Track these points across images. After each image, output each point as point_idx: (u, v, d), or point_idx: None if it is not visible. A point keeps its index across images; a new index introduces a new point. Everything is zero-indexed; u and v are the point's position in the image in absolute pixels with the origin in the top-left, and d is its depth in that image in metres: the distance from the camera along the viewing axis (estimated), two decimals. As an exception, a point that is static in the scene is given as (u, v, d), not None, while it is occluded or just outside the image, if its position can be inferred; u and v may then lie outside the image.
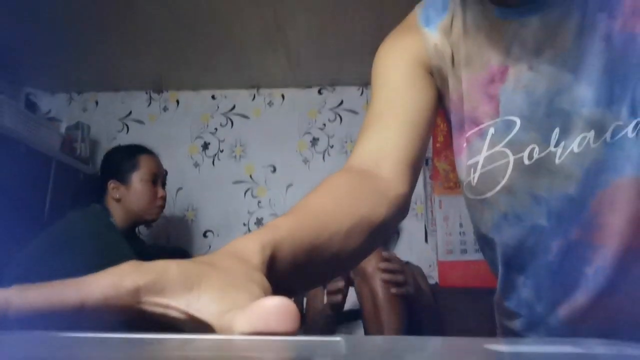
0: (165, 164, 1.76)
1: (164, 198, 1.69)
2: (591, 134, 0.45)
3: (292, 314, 0.20)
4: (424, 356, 0.17)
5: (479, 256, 0.62)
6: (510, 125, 0.49)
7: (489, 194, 0.51)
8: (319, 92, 2.38)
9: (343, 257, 0.41)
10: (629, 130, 0.44)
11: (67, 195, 1.83)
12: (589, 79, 0.45)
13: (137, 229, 1.74)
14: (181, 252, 1.97)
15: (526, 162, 0.48)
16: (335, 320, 1.50)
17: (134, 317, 0.22)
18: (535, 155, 0.48)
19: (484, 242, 0.58)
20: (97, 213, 1.52)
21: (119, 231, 1.54)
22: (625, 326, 0.48)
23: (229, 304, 0.22)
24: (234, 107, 2.38)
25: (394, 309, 1.30)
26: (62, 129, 2.11)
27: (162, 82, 2.35)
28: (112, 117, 2.39)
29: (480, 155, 0.51)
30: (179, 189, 2.27)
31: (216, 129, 2.36)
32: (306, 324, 1.54)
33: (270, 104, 2.38)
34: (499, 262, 0.56)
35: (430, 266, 2.07)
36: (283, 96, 2.38)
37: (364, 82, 2.27)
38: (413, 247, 2.13)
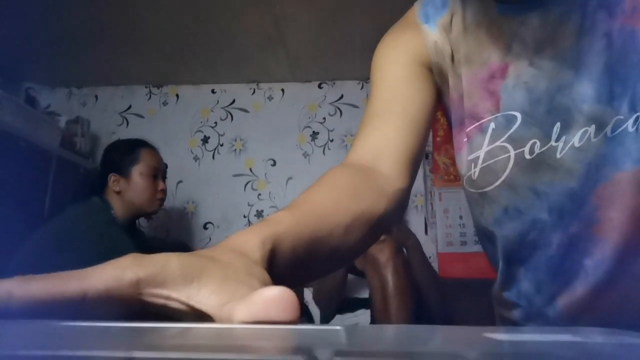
0: (165, 158, 1.76)
1: (164, 191, 1.69)
2: (592, 129, 0.46)
3: (292, 304, 0.20)
4: (423, 344, 0.17)
5: (478, 248, 0.62)
6: (511, 120, 0.49)
7: (489, 188, 0.52)
8: (319, 86, 2.37)
9: (342, 252, 0.41)
10: (629, 125, 0.44)
11: (67, 190, 1.83)
12: (589, 76, 0.45)
13: (137, 222, 1.74)
14: (181, 244, 1.98)
15: (527, 156, 0.49)
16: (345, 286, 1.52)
17: (135, 308, 0.22)
18: (537, 150, 0.48)
19: (484, 236, 0.58)
20: (97, 206, 1.52)
21: (120, 224, 1.54)
22: (624, 318, 0.48)
23: (229, 296, 0.22)
24: (233, 101, 2.38)
25: (403, 300, 1.31)
26: (62, 124, 2.11)
27: (162, 77, 2.35)
28: (111, 112, 2.39)
29: (481, 150, 0.51)
30: (179, 182, 2.27)
31: (216, 123, 2.36)
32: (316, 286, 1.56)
33: (270, 98, 2.38)
34: (499, 255, 0.56)
35: (430, 258, 2.07)
36: (283, 90, 2.38)
37: (364, 76, 2.27)
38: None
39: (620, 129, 0.45)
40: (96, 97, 2.42)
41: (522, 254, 0.53)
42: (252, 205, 2.25)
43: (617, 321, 0.48)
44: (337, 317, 1.61)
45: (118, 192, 1.59)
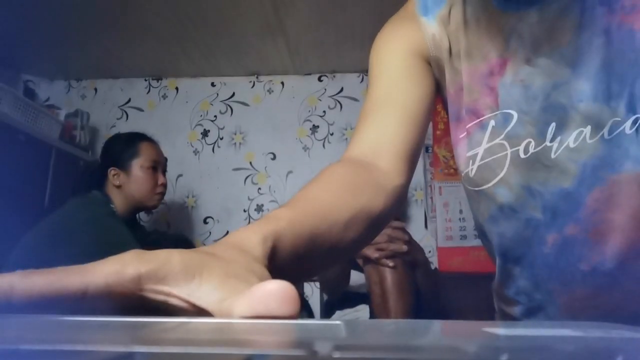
0: (165, 152, 1.76)
1: (164, 185, 1.69)
2: (588, 129, 0.45)
3: (293, 298, 0.20)
4: (422, 338, 0.17)
5: (478, 242, 0.62)
6: (507, 118, 0.49)
7: (485, 186, 0.52)
8: (319, 79, 2.36)
9: (341, 248, 0.41)
10: (627, 127, 0.44)
11: (67, 183, 1.83)
12: (587, 73, 0.45)
13: (137, 216, 1.74)
14: (182, 238, 1.98)
15: (522, 155, 0.48)
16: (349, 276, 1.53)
17: (136, 304, 0.22)
18: (531, 150, 0.48)
19: (481, 232, 0.58)
20: (97, 200, 1.52)
21: (120, 218, 1.54)
22: (625, 315, 0.48)
23: (230, 292, 0.22)
24: (233, 94, 2.37)
25: (402, 295, 1.31)
26: (61, 117, 2.11)
27: (161, 70, 2.34)
28: (111, 105, 2.39)
29: (480, 147, 0.51)
30: (179, 175, 2.27)
31: (216, 116, 2.35)
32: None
33: (270, 91, 2.37)
34: (495, 252, 0.56)
35: (429, 252, 2.07)
36: (283, 83, 2.37)
37: (364, 69, 2.25)
38: (413, 233, 2.12)
39: (617, 131, 0.44)
40: (95, 90, 2.41)
41: (517, 252, 0.53)
42: (252, 200, 2.25)
43: (618, 318, 0.48)
44: (337, 312, 1.61)
45: (118, 186, 1.59)
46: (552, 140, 0.47)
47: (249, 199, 2.26)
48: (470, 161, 0.52)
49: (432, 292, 1.55)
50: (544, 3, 0.46)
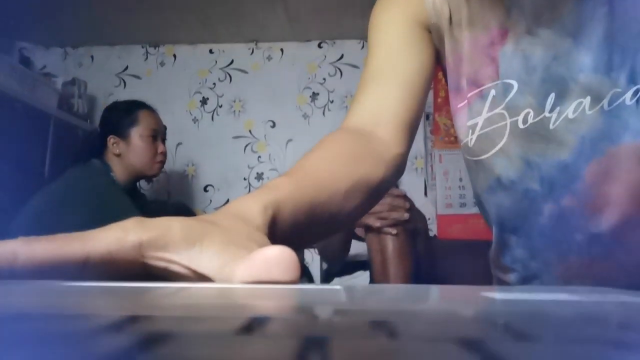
0: (164, 120, 1.74)
1: (164, 154, 1.69)
2: (587, 100, 0.45)
3: (293, 263, 0.21)
4: (421, 303, 0.18)
5: (477, 210, 0.62)
6: (508, 88, 0.49)
7: (484, 157, 0.52)
8: (319, 45, 2.32)
9: (341, 217, 0.41)
10: (627, 98, 0.43)
11: (67, 152, 1.83)
12: (588, 44, 0.44)
13: (138, 184, 1.75)
14: (182, 207, 1.99)
15: (520, 126, 0.48)
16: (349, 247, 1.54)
17: (137, 271, 0.23)
18: (530, 120, 0.48)
19: (479, 202, 0.59)
20: (97, 169, 1.52)
21: (120, 186, 1.54)
22: (620, 282, 0.49)
23: (230, 260, 0.22)
24: (232, 61, 2.34)
25: (402, 262, 1.33)
26: (58, 85, 2.08)
27: (158, 37, 2.30)
28: (108, 73, 2.36)
29: (480, 116, 0.51)
30: (179, 144, 2.26)
31: (214, 84, 2.32)
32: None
33: (269, 58, 2.34)
34: (492, 222, 0.56)
35: (429, 219, 2.09)
36: (282, 50, 2.33)
37: (365, 35, 2.21)
38: (412, 200, 2.15)
39: (617, 102, 0.44)
40: (92, 57, 2.37)
41: (514, 222, 0.53)
42: (252, 168, 2.25)
43: (613, 285, 0.49)
44: (336, 279, 1.64)
45: (118, 155, 1.58)
46: (551, 111, 0.47)
47: (248, 167, 2.26)
48: (470, 130, 0.52)
49: (431, 260, 1.57)
50: None
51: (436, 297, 0.20)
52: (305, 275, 1.76)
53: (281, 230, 0.32)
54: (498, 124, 0.50)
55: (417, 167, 2.20)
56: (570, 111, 0.46)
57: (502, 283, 0.61)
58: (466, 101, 0.52)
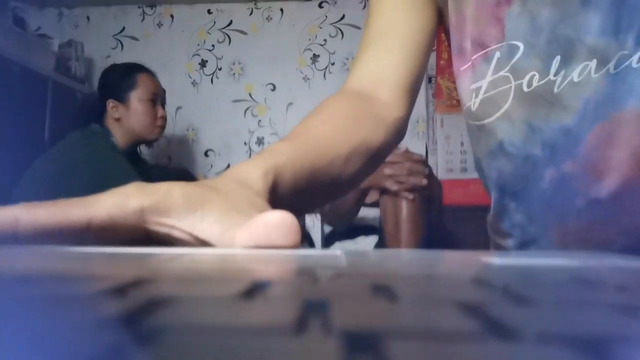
0: (163, 83, 1.72)
1: (164, 118, 1.68)
2: (593, 63, 0.44)
3: (294, 228, 0.21)
4: (421, 268, 0.18)
5: (478, 175, 0.62)
6: (513, 50, 0.48)
7: (487, 121, 0.51)
8: (320, 5, 2.27)
9: (342, 181, 0.42)
10: (634, 60, 0.42)
11: (66, 116, 1.81)
12: (596, 5, 0.43)
13: (138, 149, 1.75)
14: (183, 171, 1.99)
15: (525, 89, 0.48)
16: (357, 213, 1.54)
17: (139, 237, 0.23)
18: (535, 83, 0.47)
19: (479, 167, 0.58)
20: (97, 133, 1.52)
21: (121, 151, 1.54)
22: (619, 247, 0.49)
23: (231, 225, 0.23)
24: (231, 22, 2.29)
25: (415, 227, 1.34)
26: (55, 47, 2.05)
27: (154, -5, 2.24)
28: (105, 34, 2.31)
29: (485, 79, 0.50)
30: (178, 108, 2.24)
31: (213, 45, 2.28)
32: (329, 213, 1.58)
33: (268, 19, 2.28)
34: (492, 186, 0.56)
35: (430, 184, 2.10)
36: (282, 10, 2.28)
37: (367, -6, 2.16)
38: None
39: (623, 65, 0.43)
40: (88, 18, 2.32)
41: (514, 187, 0.53)
42: (252, 132, 2.24)
43: (610, 248, 0.49)
44: (337, 243, 1.65)
45: (117, 119, 1.57)
46: (556, 74, 0.46)
47: (249, 131, 2.25)
48: (474, 94, 0.51)
49: (440, 227, 1.58)
50: None
51: (436, 262, 0.20)
52: (306, 239, 1.78)
53: (282, 195, 0.32)
54: (502, 87, 0.49)
55: (419, 131, 2.19)
56: (575, 74, 0.45)
57: (499, 248, 0.62)
58: (470, 63, 0.51)
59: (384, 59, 0.50)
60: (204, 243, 0.23)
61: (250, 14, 2.29)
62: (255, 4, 2.29)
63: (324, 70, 2.25)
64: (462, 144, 2.10)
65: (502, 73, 0.49)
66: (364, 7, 2.22)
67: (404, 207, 1.33)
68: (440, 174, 2.11)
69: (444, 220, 1.62)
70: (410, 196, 1.33)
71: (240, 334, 0.07)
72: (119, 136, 1.57)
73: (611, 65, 0.44)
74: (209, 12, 2.29)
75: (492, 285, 0.13)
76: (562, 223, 0.51)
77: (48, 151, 1.45)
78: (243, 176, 0.29)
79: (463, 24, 0.51)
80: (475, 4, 0.50)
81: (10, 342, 0.06)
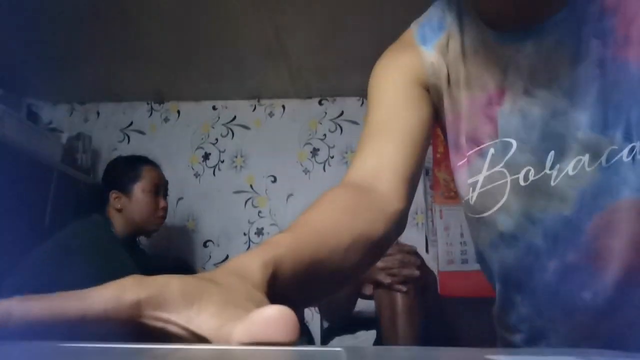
0: (166, 174, 1.76)
1: (165, 209, 1.69)
2: (586, 158, 0.46)
3: (292, 324, 0.20)
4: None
5: (479, 266, 0.62)
6: (507, 146, 0.50)
7: (486, 214, 0.52)
8: (320, 102, 2.38)
9: (342, 273, 0.41)
10: (624, 155, 0.44)
11: (68, 206, 1.83)
12: (584, 104, 0.46)
13: (137, 239, 1.74)
14: (182, 262, 1.97)
15: (522, 183, 0.49)
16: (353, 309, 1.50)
17: (135, 330, 0.22)
18: (531, 177, 0.49)
19: (481, 258, 0.58)
20: (98, 223, 1.52)
21: (120, 241, 1.53)
22: (629, 343, 0.47)
23: (228, 319, 0.22)
24: (234, 117, 2.39)
25: (411, 319, 1.30)
26: (64, 140, 2.12)
27: (163, 93, 2.36)
28: (113, 128, 2.40)
29: (481, 174, 0.51)
30: (180, 198, 2.27)
31: (217, 139, 2.36)
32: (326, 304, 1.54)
33: (270, 114, 2.39)
34: (495, 278, 0.56)
35: (431, 276, 2.06)
36: (284, 107, 2.39)
37: (364, 92, 2.27)
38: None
39: (614, 159, 0.45)
40: (98, 113, 2.43)
41: (518, 279, 0.53)
42: (252, 223, 2.25)
43: (622, 346, 0.48)
44: (336, 338, 1.59)
45: (119, 209, 1.59)
46: (551, 168, 0.48)
47: (249, 222, 2.25)
48: (471, 188, 0.52)
49: (439, 316, 1.53)
50: (540, 36, 0.47)
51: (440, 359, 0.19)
52: (305, 334, 1.71)
53: (282, 287, 0.32)
54: (499, 182, 0.50)
55: (418, 223, 2.19)
56: (570, 168, 0.47)
57: (507, 343, 0.59)
58: (466, 159, 0.53)
59: (383, 154, 0.52)
60: (200, 338, 0.22)
61: (254, 110, 2.40)
62: (258, 101, 2.41)
63: (323, 163, 2.30)
64: (461, 234, 2.09)
65: (497, 168, 0.51)
66: (362, 104, 2.34)
67: (399, 300, 1.31)
68: (441, 266, 2.08)
69: (442, 310, 1.57)
70: (404, 288, 1.31)
71: None
72: (119, 226, 1.57)
73: (603, 159, 0.45)
74: (214, 108, 2.41)
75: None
76: (569, 315, 0.50)
77: (48, 239, 1.44)
78: (241, 268, 0.29)
79: (458, 121, 0.54)
80: (468, 103, 0.53)
81: None
